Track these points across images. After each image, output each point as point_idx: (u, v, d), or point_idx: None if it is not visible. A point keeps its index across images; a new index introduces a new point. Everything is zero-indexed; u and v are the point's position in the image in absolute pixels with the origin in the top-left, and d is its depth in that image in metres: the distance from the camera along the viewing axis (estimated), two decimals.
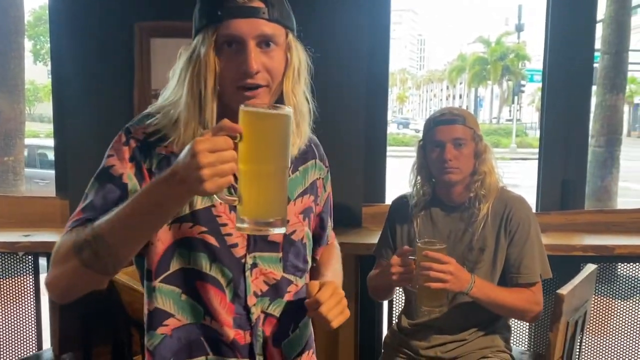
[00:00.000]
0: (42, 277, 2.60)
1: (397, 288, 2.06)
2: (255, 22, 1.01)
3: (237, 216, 0.91)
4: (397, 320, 2.00)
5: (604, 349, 2.63)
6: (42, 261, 2.45)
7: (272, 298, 1.12)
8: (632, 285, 2.58)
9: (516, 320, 2.55)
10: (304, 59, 1.11)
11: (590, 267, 1.89)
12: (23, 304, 2.57)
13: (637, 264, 2.50)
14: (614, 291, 2.61)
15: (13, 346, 2.59)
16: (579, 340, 1.86)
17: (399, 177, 2.03)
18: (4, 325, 2.58)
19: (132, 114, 2.47)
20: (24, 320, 2.56)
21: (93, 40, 2.48)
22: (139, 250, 1.02)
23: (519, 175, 12.02)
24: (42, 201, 2.62)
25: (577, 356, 1.87)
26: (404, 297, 2.04)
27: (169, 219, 1.03)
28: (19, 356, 2.58)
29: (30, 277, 2.50)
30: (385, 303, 2.48)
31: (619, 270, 2.62)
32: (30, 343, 2.57)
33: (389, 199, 2.55)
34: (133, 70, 2.46)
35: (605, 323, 2.62)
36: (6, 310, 2.58)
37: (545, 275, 1.81)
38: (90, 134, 2.49)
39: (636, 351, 2.58)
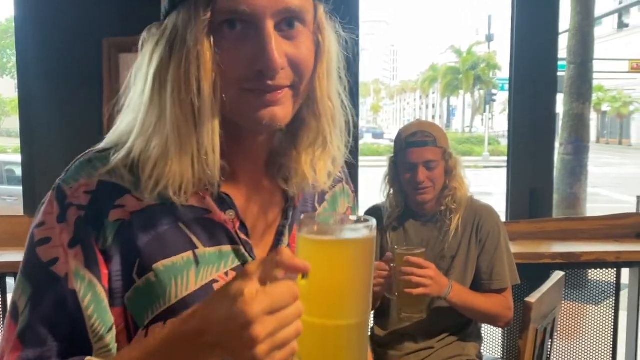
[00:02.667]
0: (9, 297, 2.55)
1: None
2: None
3: None
4: (370, 332, 2.01)
5: (575, 353, 2.67)
6: (10, 281, 2.40)
7: None
8: (602, 290, 2.63)
9: (489, 328, 2.59)
10: (337, 45, 0.77)
11: (558, 275, 1.92)
12: None
13: (606, 269, 2.55)
14: (585, 296, 2.66)
15: None
16: (548, 347, 1.89)
17: (374, 187, 2.05)
18: None
19: (102, 130, 2.44)
20: None
21: (61, 55, 2.45)
22: None
23: (491, 183, 12.20)
24: (10, 220, 2.57)
25: None
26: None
27: None
28: None
29: None
30: None
31: (589, 275, 2.67)
32: None
33: (362, 210, 2.56)
34: (102, 85, 2.44)
35: (577, 328, 2.67)
36: None
37: (514, 281, 1.87)
38: (58, 150, 2.45)
39: (606, 354, 2.63)
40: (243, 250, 0.74)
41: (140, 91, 0.72)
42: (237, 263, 0.74)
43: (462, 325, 1.88)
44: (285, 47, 0.68)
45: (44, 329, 0.67)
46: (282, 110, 0.70)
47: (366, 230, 0.61)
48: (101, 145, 0.76)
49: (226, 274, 0.73)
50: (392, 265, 1.65)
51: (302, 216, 0.64)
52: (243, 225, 0.75)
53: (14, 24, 2.59)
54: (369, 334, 2.01)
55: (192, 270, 0.71)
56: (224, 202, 0.74)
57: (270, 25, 0.66)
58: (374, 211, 2.00)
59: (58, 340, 0.67)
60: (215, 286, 0.72)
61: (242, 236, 0.75)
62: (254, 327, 0.55)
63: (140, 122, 0.71)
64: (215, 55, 0.67)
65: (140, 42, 0.73)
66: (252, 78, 0.68)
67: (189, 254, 0.72)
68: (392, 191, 1.93)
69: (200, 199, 0.73)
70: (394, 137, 1.98)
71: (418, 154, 1.82)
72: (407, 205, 1.91)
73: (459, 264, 1.84)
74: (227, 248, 0.74)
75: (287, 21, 0.69)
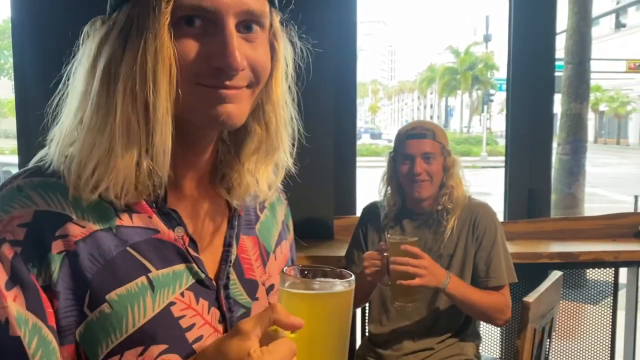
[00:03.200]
0: None
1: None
2: None
3: None
4: (367, 331, 2.02)
5: (573, 353, 2.67)
6: None
7: None
8: (600, 289, 2.63)
9: (487, 328, 2.59)
10: (291, 55, 0.79)
11: (556, 274, 1.92)
12: None
13: (604, 269, 2.55)
14: (583, 296, 2.66)
15: None
16: (546, 346, 1.89)
17: (372, 188, 2.05)
18: None
19: None
20: None
21: (57, 56, 2.44)
22: None
23: (489, 183, 12.22)
24: None
25: None
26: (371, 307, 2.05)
27: None
28: None
29: None
30: (359, 315, 2.48)
31: (587, 275, 2.67)
32: None
33: (360, 211, 2.56)
34: None
35: (575, 327, 2.67)
36: None
37: (512, 279, 1.87)
38: None
39: (604, 354, 2.63)
40: (196, 268, 0.72)
41: (82, 89, 0.67)
42: (191, 281, 0.71)
43: (460, 324, 1.88)
44: (244, 49, 0.67)
45: None
46: (238, 109, 0.67)
47: (347, 284, 0.65)
48: (30, 164, 0.71)
49: (182, 294, 0.70)
50: (385, 254, 1.66)
51: (285, 269, 0.67)
52: (192, 241, 0.72)
53: (10, 26, 2.59)
54: (367, 334, 2.01)
55: (148, 296, 0.68)
56: (172, 219, 0.71)
57: (232, 24, 0.65)
58: (371, 208, 2.01)
59: None
60: (173, 309, 0.69)
61: (193, 252, 0.72)
62: None
63: (86, 120, 0.66)
64: (173, 50, 0.64)
65: (82, 36, 0.69)
66: (209, 75, 0.65)
67: (143, 279, 0.68)
68: (389, 189, 1.93)
69: (146, 218, 0.70)
70: (392, 138, 2.00)
71: (416, 145, 1.83)
72: (404, 204, 1.92)
73: (457, 263, 1.85)
74: (180, 267, 0.71)
75: (247, 24, 0.67)
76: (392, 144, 1.97)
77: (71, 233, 0.65)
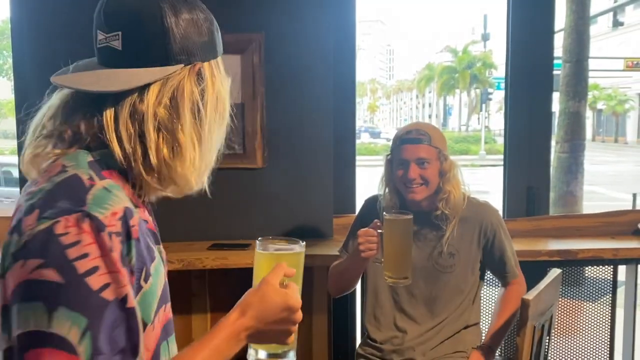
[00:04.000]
0: None
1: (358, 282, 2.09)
2: None
3: None
4: (366, 330, 2.03)
5: (572, 350, 2.68)
6: None
7: None
8: (599, 287, 2.64)
9: (486, 325, 2.59)
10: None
11: (555, 272, 1.93)
12: None
13: (603, 266, 2.56)
14: (582, 294, 2.67)
15: None
16: (546, 343, 1.90)
17: (371, 187, 2.06)
18: None
19: None
20: None
21: (57, 56, 2.44)
22: None
23: (488, 181, 12.23)
24: (7, 221, 2.56)
25: (544, 359, 1.91)
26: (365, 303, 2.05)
27: None
28: None
29: None
30: (359, 315, 2.49)
31: (586, 273, 2.68)
32: None
33: (361, 200, 2.57)
34: None
35: (574, 325, 2.68)
36: None
37: (519, 271, 1.96)
38: None
39: (603, 351, 2.64)
40: (162, 247, 0.92)
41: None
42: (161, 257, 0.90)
43: (462, 324, 1.91)
44: None
45: (111, 351, 0.72)
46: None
47: (300, 247, 1.02)
48: (76, 172, 0.80)
49: (164, 263, 0.90)
50: (379, 231, 1.69)
51: (260, 239, 1.02)
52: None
53: (10, 26, 2.59)
54: (365, 337, 2.02)
55: (162, 266, 0.88)
56: (150, 213, 0.92)
57: None
58: (372, 201, 2.03)
59: (127, 357, 0.75)
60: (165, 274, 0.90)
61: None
62: (299, 312, 0.89)
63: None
64: None
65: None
66: None
67: (157, 254, 0.87)
68: (387, 190, 1.94)
69: (143, 212, 0.88)
70: (390, 137, 2.02)
71: (411, 150, 1.82)
72: (403, 204, 1.92)
73: (459, 261, 1.87)
74: (159, 246, 0.90)
75: None
76: (390, 143, 1.99)
77: (136, 223, 0.79)
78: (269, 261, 0.97)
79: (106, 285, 0.73)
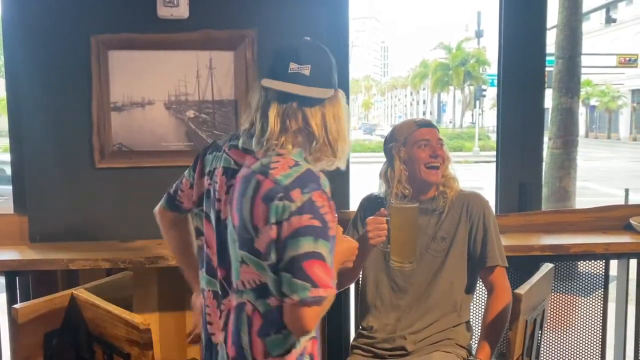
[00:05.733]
0: (2, 296, 2.54)
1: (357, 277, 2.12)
2: None
3: None
4: (359, 322, 2.07)
5: (565, 344, 2.70)
6: (1, 280, 2.39)
7: None
8: (592, 282, 2.66)
9: (478, 320, 2.61)
10: None
11: (547, 266, 1.95)
12: None
13: (595, 261, 2.58)
14: (574, 288, 2.69)
15: None
16: (538, 338, 1.91)
17: (366, 183, 2.08)
18: None
19: (91, 128, 2.44)
20: None
21: (49, 53, 2.43)
22: None
23: (482, 177, 12.26)
24: (0, 218, 2.56)
25: (536, 353, 1.92)
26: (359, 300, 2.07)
27: None
28: None
29: None
30: (352, 308, 2.50)
31: (579, 267, 2.70)
32: None
33: (353, 206, 2.57)
34: (90, 83, 2.43)
35: (566, 319, 2.70)
36: None
37: (503, 262, 1.94)
38: (48, 149, 2.44)
39: (595, 345, 2.67)
40: None
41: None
42: None
43: (454, 317, 1.94)
44: None
45: (332, 262, 1.30)
46: None
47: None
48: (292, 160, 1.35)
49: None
50: (386, 218, 1.76)
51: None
52: None
53: (1, 24, 2.57)
54: (359, 329, 2.04)
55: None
56: None
57: None
58: (370, 197, 2.09)
59: None
60: None
61: None
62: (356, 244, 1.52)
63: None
64: None
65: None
66: None
67: None
68: (402, 176, 1.94)
69: None
70: (384, 134, 2.05)
71: (431, 132, 1.95)
72: (403, 197, 1.95)
73: (458, 247, 1.94)
74: None
75: None
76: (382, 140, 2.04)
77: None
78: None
79: (332, 227, 1.30)
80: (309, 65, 1.35)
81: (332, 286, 1.26)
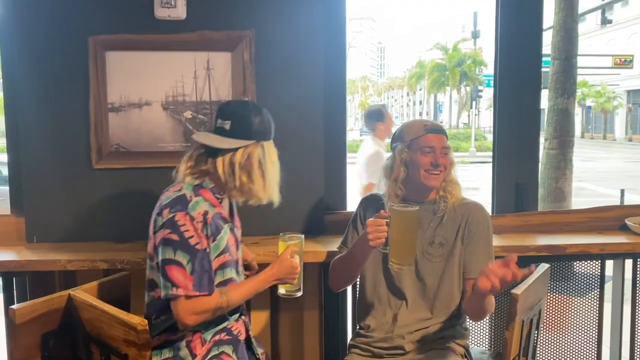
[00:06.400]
0: (0, 296, 2.53)
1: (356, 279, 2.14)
2: None
3: None
4: (357, 322, 2.08)
5: (561, 344, 2.72)
6: None
7: None
8: (588, 282, 2.67)
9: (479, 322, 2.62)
10: None
11: (544, 267, 1.95)
12: None
13: (591, 261, 2.59)
14: (570, 288, 2.70)
15: None
16: (534, 338, 1.92)
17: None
18: None
19: (88, 128, 2.44)
20: None
21: (46, 54, 2.43)
22: None
23: (478, 178, 12.29)
24: (0, 218, 2.55)
25: (533, 353, 1.93)
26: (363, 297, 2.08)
27: None
28: None
29: None
30: (349, 308, 2.51)
31: (575, 268, 2.71)
32: None
33: (350, 206, 2.58)
34: (88, 83, 2.42)
35: (562, 319, 2.71)
36: None
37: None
38: (45, 149, 2.44)
39: (591, 345, 2.68)
40: (231, 224, 1.86)
41: None
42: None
43: (450, 317, 1.94)
44: None
45: (200, 269, 1.63)
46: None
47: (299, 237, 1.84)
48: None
49: (233, 230, 1.85)
50: (387, 220, 1.76)
51: (281, 234, 1.85)
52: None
53: None
54: (357, 329, 2.04)
55: (227, 234, 1.79)
56: (230, 208, 1.91)
57: None
58: (371, 197, 2.09)
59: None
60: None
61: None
62: (298, 268, 1.78)
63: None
64: None
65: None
66: None
67: (224, 228, 1.80)
68: (400, 176, 1.95)
69: (220, 208, 1.78)
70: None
71: (438, 139, 1.94)
72: (408, 193, 1.96)
73: (446, 252, 1.94)
74: (227, 224, 1.82)
75: None
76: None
77: (210, 216, 1.72)
78: (284, 244, 1.80)
79: (196, 243, 1.62)
80: (229, 121, 1.69)
81: (192, 289, 1.60)
